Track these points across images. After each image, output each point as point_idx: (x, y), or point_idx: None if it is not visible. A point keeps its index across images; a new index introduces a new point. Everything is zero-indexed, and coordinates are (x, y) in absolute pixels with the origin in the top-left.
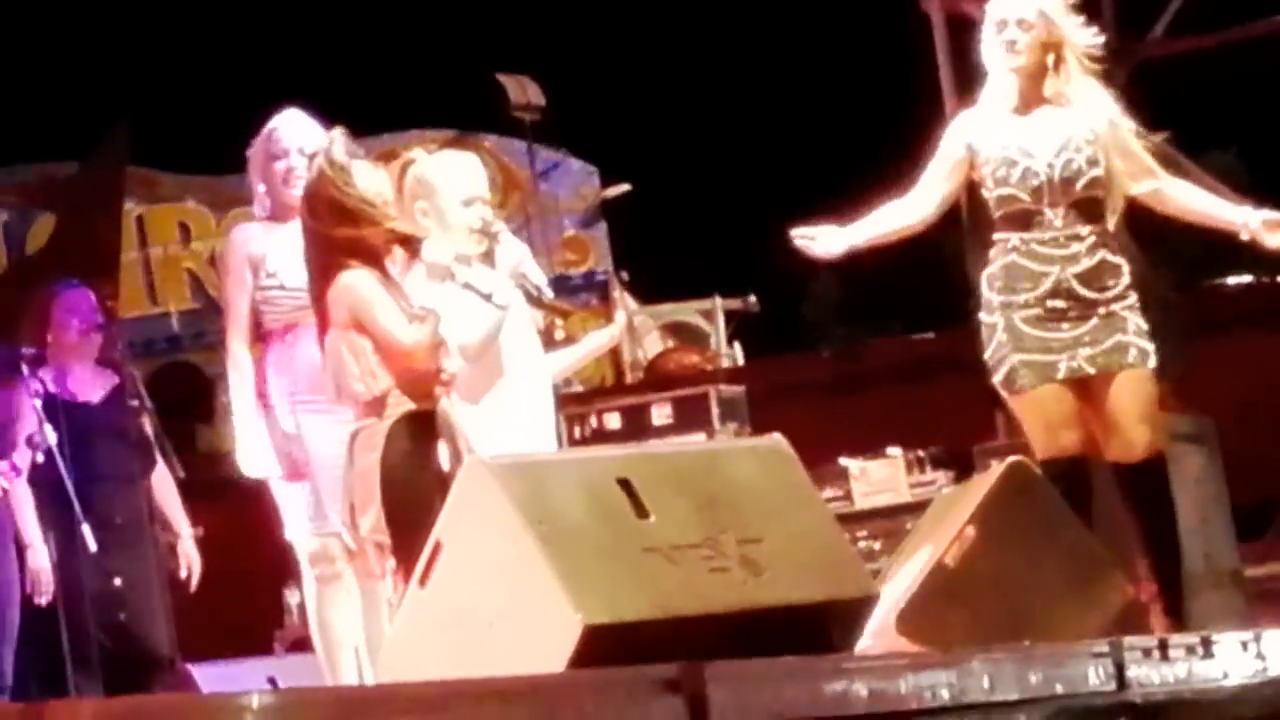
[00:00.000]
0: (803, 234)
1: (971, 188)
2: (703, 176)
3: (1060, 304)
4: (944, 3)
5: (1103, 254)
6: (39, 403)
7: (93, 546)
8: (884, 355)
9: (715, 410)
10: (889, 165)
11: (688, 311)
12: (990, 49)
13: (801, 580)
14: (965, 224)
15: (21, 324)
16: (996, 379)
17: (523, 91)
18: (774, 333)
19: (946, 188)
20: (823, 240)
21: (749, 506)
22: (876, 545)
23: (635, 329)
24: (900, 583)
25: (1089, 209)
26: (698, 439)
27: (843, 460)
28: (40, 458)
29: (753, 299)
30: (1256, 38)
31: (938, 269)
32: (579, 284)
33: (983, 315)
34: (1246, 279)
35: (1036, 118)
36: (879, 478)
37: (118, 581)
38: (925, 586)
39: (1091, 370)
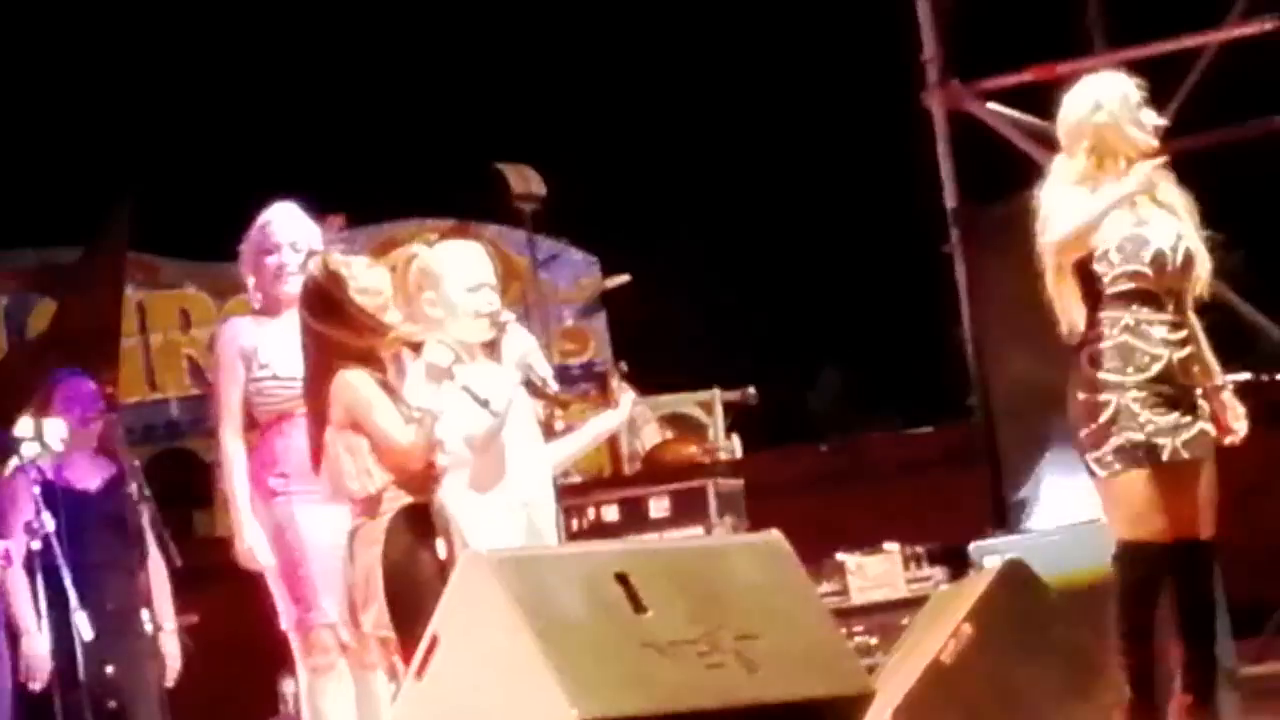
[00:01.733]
0: None
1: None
2: (703, 269)
3: None
4: (945, 99)
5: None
6: (38, 489)
7: (88, 635)
8: (881, 449)
9: (713, 504)
10: (889, 262)
11: (686, 403)
12: None
13: (798, 677)
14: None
15: (22, 410)
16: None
17: (523, 181)
18: (773, 425)
19: None
20: None
21: (746, 603)
22: (873, 641)
23: (634, 420)
24: (897, 679)
25: None
26: (695, 533)
27: (840, 555)
28: (37, 544)
29: (751, 391)
30: (1262, 136)
31: (940, 362)
32: (578, 374)
33: None
34: (1244, 377)
35: None
36: (876, 573)
37: (110, 670)
38: (921, 684)
39: (1186, 455)
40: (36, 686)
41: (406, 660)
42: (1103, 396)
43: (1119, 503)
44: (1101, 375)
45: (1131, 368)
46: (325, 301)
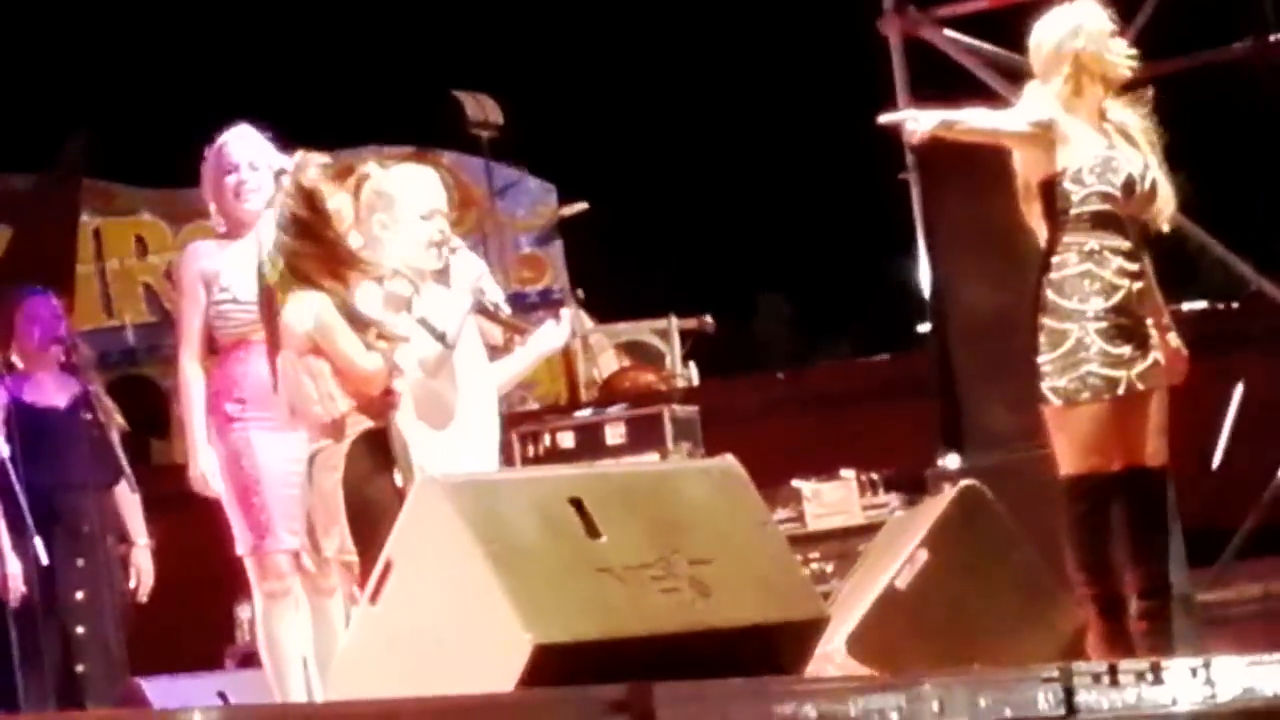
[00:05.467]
0: (890, 117)
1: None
2: (659, 196)
3: None
4: (903, 25)
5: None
6: None
7: (44, 559)
8: (838, 377)
9: (669, 430)
10: (844, 185)
11: (643, 331)
12: None
13: (752, 602)
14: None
15: None
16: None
17: (480, 109)
18: (729, 353)
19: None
20: (913, 121)
21: (700, 528)
22: (829, 567)
23: (590, 347)
24: (851, 605)
25: None
26: (651, 459)
27: (795, 482)
28: None
29: (708, 318)
30: (1216, 65)
31: (887, 289)
32: (535, 301)
33: None
34: (1200, 305)
35: None
36: (832, 500)
37: (80, 595)
38: (876, 609)
39: (1141, 386)
40: (12, 603)
41: (363, 586)
42: (1064, 325)
43: (1071, 434)
44: (1064, 303)
45: (1094, 297)
46: (297, 221)
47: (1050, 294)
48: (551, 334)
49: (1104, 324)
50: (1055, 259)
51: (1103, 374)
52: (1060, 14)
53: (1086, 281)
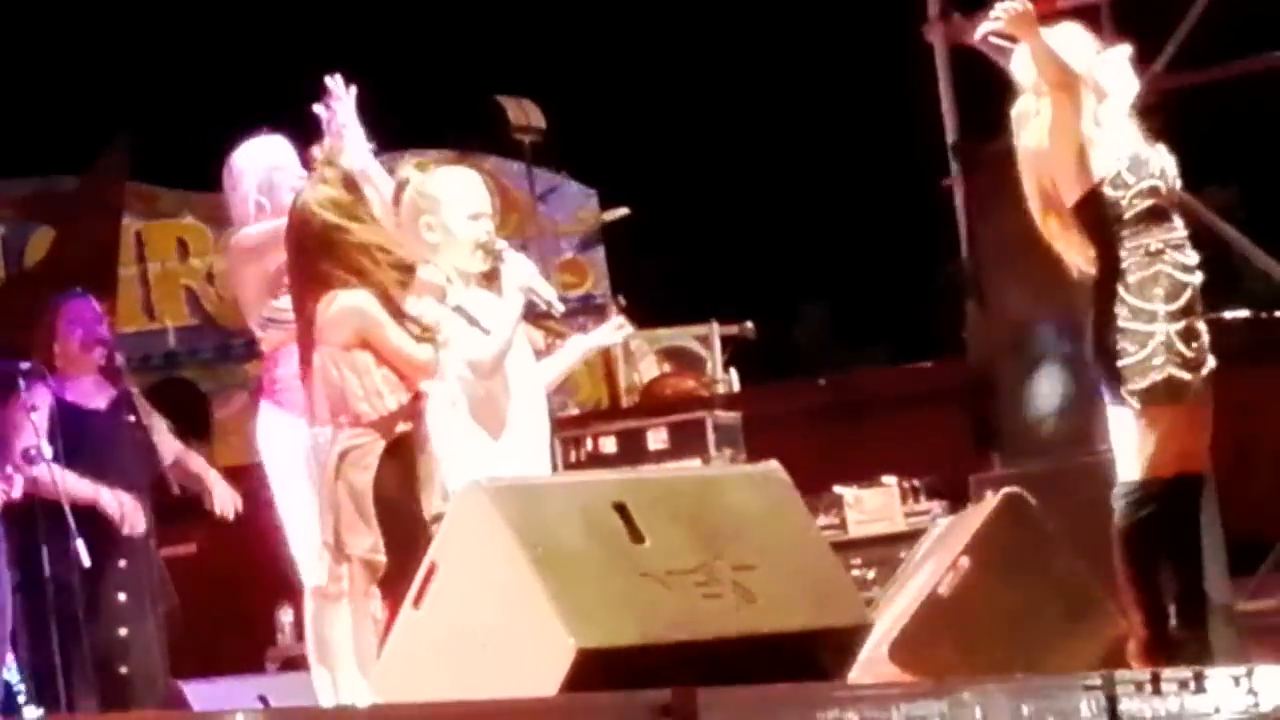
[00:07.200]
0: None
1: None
2: (701, 201)
3: None
4: (947, 33)
5: None
6: (36, 416)
7: (86, 561)
8: (880, 383)
9: (711, 436)
10: (887, 191)
11: (684, 337)
12: None
13: (795, 608)
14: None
15: (20, 337)
16: None
17: (523, 113)
18: (769, 359)
19: None
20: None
21: (744, 533)
22: (870, 574)
23: (632, 353)
24: (894, 612)
25: None
26: (693, 464)
27: (838, 488)
28: (36, 471)
29: (749, 325)
30: (1258, 74)
31: (929, 296)
32: (576, 307)
33: None
34: (1243, 314)
35: None
36: (874, 506)
37: (122, 596)
38: (919, 616)
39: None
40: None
41: (389, 588)
42: (1149, 327)
43: (1147, 438)
44: (1145, 305)
45: (1168, 299)
46: (337, 205)
47: (1130, 297)
48: (597, 334)
49: (1180, 325)
50: (1124, 264)
51: (1181, 377)
52: (1074, 32)
53: (1159, 282)
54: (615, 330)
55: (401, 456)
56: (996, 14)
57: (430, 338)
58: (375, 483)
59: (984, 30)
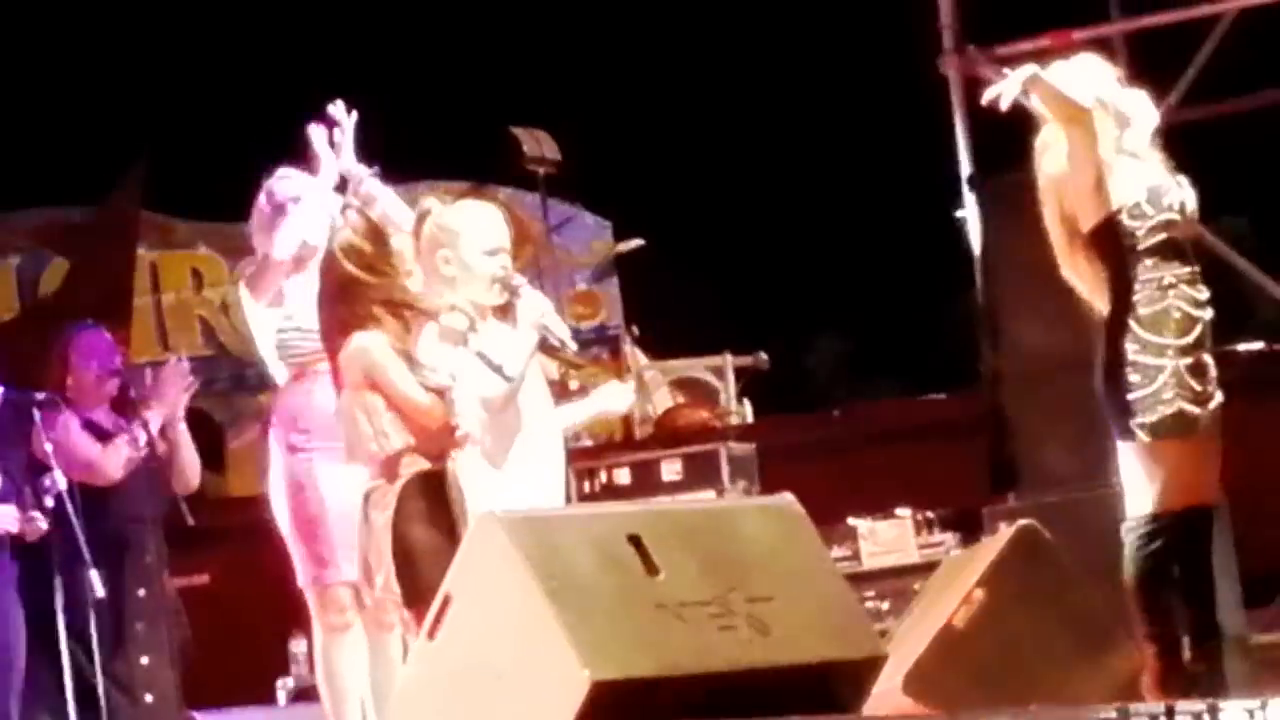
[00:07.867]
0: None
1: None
2: (716, 232)
3: None
4: (961, 65)
5: None
6: (50, 448)
7: (99, 592)
8: (895, 415)
9: (725, 468)
10: (901, 223)
11: (698, 368)
12: None
13: (809, 640)
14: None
15: (34, 368)
16: None
17: (537, 145)
18: (783, 390)
19: None
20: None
21: (758, 565)
22: (884, 606)
23: (645, 384)
24: (908, 644)
25: None
26: (707, 496)
27: (851, 520)
28: (50, 502)
29: (763, 356)
30: (1271, 106)
31: (943, 328)
32: (590, 338)
33: None
34: (1257, 346)
35: None
36: (887, 538)
37: (139, 626)
38: (933, 648)
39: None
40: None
41: (410, 626)
42: (1158, 361)
43: (1156, 471)
44: (1155, 339)
45: (1179, 333)
46: (360, 254)
47: (1141, 330)
48: (615, 395)
49: (1189, 360)
50: (1135, 296)
51: (1191, 411)
52: (1095, 63)
53: (1170, 317)
54: (630, 396)
55: (422, 497)
56: (1003, 83)
57: (440, 394)
58: (398, 521)
59: (990, 96)
